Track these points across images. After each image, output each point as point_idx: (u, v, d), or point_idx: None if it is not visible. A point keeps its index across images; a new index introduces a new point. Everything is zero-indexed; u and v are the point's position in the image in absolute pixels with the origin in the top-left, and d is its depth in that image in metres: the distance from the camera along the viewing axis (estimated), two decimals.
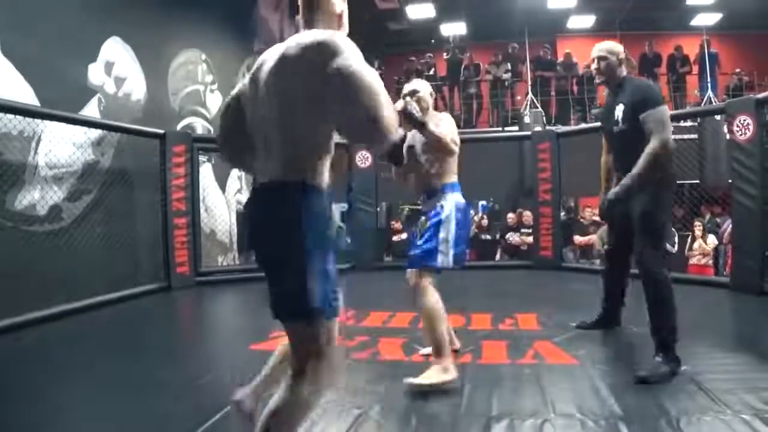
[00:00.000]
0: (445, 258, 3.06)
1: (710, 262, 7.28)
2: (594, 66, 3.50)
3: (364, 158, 7.48)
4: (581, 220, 8.72)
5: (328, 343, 1.77)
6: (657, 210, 3.24)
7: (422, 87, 3.34)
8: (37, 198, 5.32)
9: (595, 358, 3.32)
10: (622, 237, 3.62)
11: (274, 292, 1.83)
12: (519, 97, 12.21)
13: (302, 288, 1.70)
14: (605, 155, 3.88)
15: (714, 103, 9.97)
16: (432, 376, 2.88)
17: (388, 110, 1.67)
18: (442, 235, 3.05)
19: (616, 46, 3.51)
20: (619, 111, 3.33)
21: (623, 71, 3.45)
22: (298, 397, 1.74)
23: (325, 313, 1.74)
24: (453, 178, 3.19)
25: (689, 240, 7.31)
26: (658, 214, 3.25)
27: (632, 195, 3.18)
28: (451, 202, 3.10)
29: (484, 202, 10.48)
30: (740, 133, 5.26)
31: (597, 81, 3.61)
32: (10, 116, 4.75)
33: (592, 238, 8.08)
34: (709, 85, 10.98)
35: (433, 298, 3.05)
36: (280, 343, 2.21)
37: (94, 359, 3.60)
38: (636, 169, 3.10)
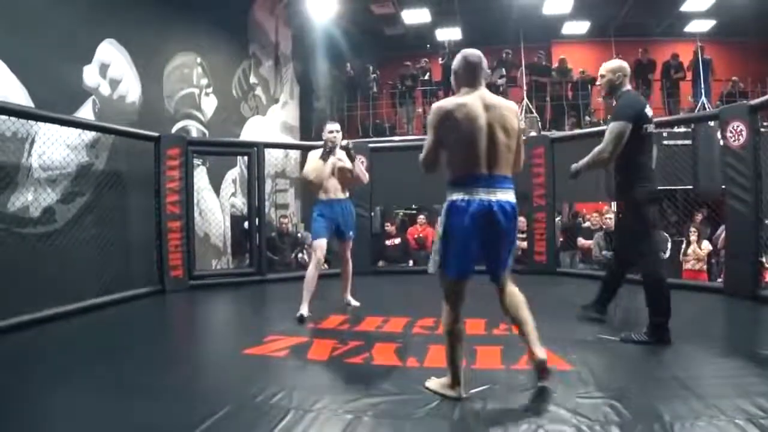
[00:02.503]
0: (432, 263, 2.95)
1: (704, 267, 7.29)
2: (598, 82, 4.06)
3: (361, 162, 7.47)
4: (589, 223, 8.65)
5: None
6: (640, 224, 3.82)
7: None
8: (30, 200, 5.30)
9: (589, 363, 3.32)
10: (622, 243, 4.27)
11: None
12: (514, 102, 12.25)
13: None
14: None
15: (708, 109, 10.01)
16: (438, 384, 2.94)
17: None
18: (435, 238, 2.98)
19: (616, 65, 3.96)
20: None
21: (624, 87, 3.92)
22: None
23: None
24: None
25: (684, 245, 7.32)
26: (642, 227, 3.82)
27: (623, 210, 3.97)
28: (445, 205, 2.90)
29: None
30: (734, 139, 5.28)
31: (602, 95, 4.18)
32: (3, 117, 4.71)
33: (589, 242, 8.07)
34: (702, 91, 11.04)
35: (444, 310, 2.98)
36: None
37: (85, 363, 3.57)
38: (582, 162, 3.98)
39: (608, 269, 4.53)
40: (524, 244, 7.94)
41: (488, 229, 2.80)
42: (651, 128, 3.84)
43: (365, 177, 5.14)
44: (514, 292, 3.03)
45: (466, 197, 2.78)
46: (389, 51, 14.27)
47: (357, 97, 12.82)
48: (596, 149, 3.82)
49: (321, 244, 4.96)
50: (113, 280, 5.78)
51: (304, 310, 4.73)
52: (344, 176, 5.04)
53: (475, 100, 2.83)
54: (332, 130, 4.98)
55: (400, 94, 12.68)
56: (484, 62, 2.96)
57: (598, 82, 4.07)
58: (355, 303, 5.22)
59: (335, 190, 5.04)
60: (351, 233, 5.15)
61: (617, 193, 4.02)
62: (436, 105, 2.90)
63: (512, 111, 2.89)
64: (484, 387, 2.96)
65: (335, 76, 13.15)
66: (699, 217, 8.44)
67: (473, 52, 2.97)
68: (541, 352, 2.88)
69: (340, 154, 5.00)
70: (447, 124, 2.81)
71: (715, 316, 4.95)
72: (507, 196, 2.85)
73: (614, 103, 4.01)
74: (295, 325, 4.52)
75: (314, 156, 4.98)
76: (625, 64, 3.98)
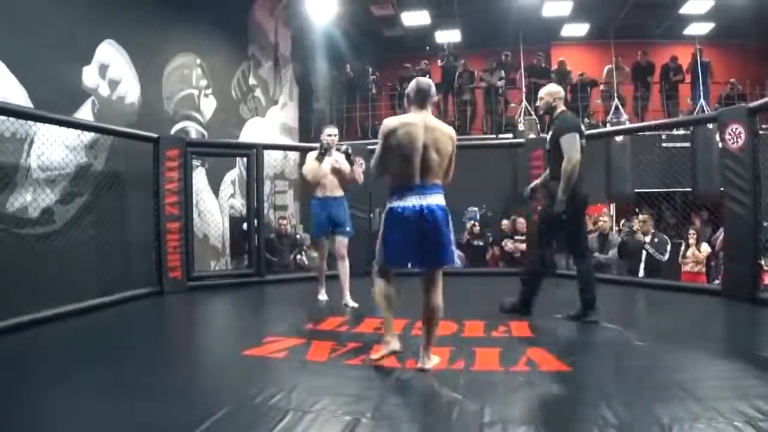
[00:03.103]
0: (378, 253, 3.49)
1: (703, 269, 7.29)
2: (538, 103, 4.85)
3: (359, 165, 7.48)
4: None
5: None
6: (576, 223, 4.60)
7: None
8: (29, 200, 5.30)
9: (589, 365, 3.33)
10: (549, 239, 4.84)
11: None
12: (513, 104, 12.24)
13: None
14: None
15: (706, 112, 10.02)
16: (379, 350, 3.50)
17: None
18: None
19: (554, 89, 4.75)
20: (549, 136, 4.63)
21: (560, 108, 4.65)
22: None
23: None
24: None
25: (683, 248, 7.32)
26: (578, 225, 4.65)
27: (559, 207, 4.40)
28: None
29: (474, 209, 10.42)
30: (732, 141, 5.29)
31: (540, 113, 5.19)
32: (2, 118, 4.70)
33: None
34: (701, 93, 11.04)
35: (377, 287, 3.58)
36: None
37: (84, 363, 3.57)
38: (561, 187, 4.37)
39: (536, 268, 4.86)
40: (523, 246, 7.96)
41: (419, 227, 3.24)
42: (584, 142, 4.53)
43: (360, 178, 5.42)
44: (437, 293, 3.37)
45: (401, 204, 3.28)
46: (389, 53, 14.26)
47: (356, 99, 12.81)
48: (565, 166, 4.35)
49: (323, 243, 5.51)
50: (112, 280, 5.78)
51: (323, 296, 5.25)
52: (340, 176, 5.36)
53: (418, 122, 3.29)
54: (330, 133, 5.35)
55: (400, 95, 12.67)
56: (433, 89, 3.43)
57: (538, 102, 4.84)
58: (353, 304, 5.23)
59: (331, 189, 5.37)
60: (348, 228, 5.41)
61: (548, 196, 4.64)
62: (384, 121, 3.41)
63: (447, 135, 3.35)
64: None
65: (334, 78, 13.15)
66: (698, 220, 8.45)
67: (425, 81, 3.45)
68: (427, 362, 3.32)
69: (338, 156, 5.30)
70: (390, 139, 3.30)
71: (713, 319, 4.97)
72: (436, 200, 3.30)
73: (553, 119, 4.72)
74: (294, 327, 4.53)
75: (312, 156, 5.38)
76: (560, 89, 4.80)
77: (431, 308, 3.36)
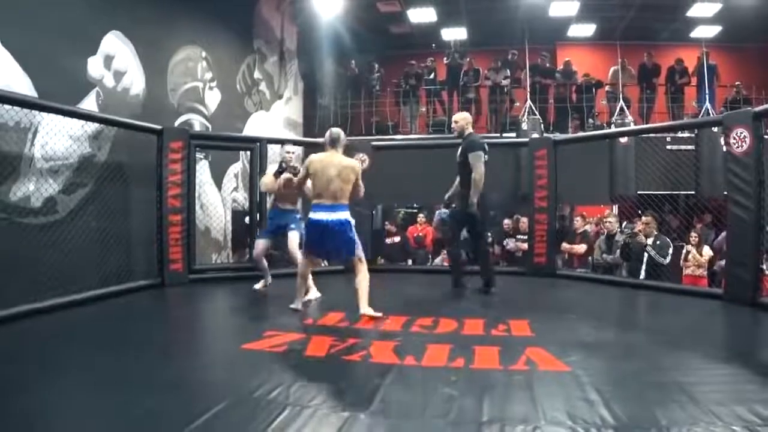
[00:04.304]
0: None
1: (705, 273, 7.25)
2: (453, 125, 6.10)
3: (361, 160, 7.48)
4: (586, 226, 8.62)
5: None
6: (477, 221, 5.82)
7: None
8: (32, 190, 5.31)
9: (588, 365, 3.32)
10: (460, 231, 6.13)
11: None
12: (518, 104, 12.22)
13: None
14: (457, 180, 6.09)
15: (712, 115, 9.99)
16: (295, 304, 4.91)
17: None
18: None
19: (466, 116, 6.15)
20: (460, 152, 5.83)
21: (467, 130, 5.96)
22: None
23: None
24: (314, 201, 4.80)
25: (684, 251, 7.30)
26: (478, 222, 5.85)
27: (473, 210, 5.71)
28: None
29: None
30: (737, 145, 5.27)
31: (455, 134, 6.13)
32: (7, 107, 4.71)
33: (582, 247, 8.04)
34: (707, 96, 11.00)
35: (300, 264, 5.09)
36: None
37: (83, 354, 3.58)
38: (472, 194, 5.67)
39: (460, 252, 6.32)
40: (525, 245, 7.93)
41: (326, 234, 4.66)
42: (486, 157, 5.77)
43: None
44: (360, 270, 4.73)
45: (316, 217, 4.67)
46: (394, 49, 14.23)
47: (361, 95, 12.79)
48: (474, 176, 5.65)
49: (260, 242, 6.03)
50: (113, 272, 5.79)
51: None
52: (296, 191, 5.72)
53: (331, 159, 4.72)
54: (289, 151, 5.99)
55: (404, 92, 12.66)
56: (342, 136, 4.85)
57: (453, 127, 6.13)
58: (315, 296, 5.48)
59: (283, 201, 5.94)
60: (293, 225, 5.86)
61: (462, 199, 5.84)
62: (310, 156, 4.82)
63: (351, 168, 4.75)
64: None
65: (339, 73, 13.14)
66: (700, 223, 8.41)
67: (336, 131, 4.88)
68: (363, 308, 4.59)
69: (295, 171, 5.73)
70: (311, 169, 4.72)
71: (714, 323, 4.96)
72: (340, 215, 4.66)
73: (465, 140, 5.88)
74: (294, 321, 4.54)
75: (271, 170, 5.90)
76: (468, 115, 6.24)
77: (358, 281, 4.69)
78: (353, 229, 4.74)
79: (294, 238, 5.81)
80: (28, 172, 5.29)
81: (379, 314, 4.55)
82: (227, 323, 5.23)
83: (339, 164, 4.68)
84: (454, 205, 6.25)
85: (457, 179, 6.01)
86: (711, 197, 7.23)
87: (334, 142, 4.80)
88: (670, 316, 5.06)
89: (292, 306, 4.87)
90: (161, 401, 2.78)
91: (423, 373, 3.24)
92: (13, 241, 4.93)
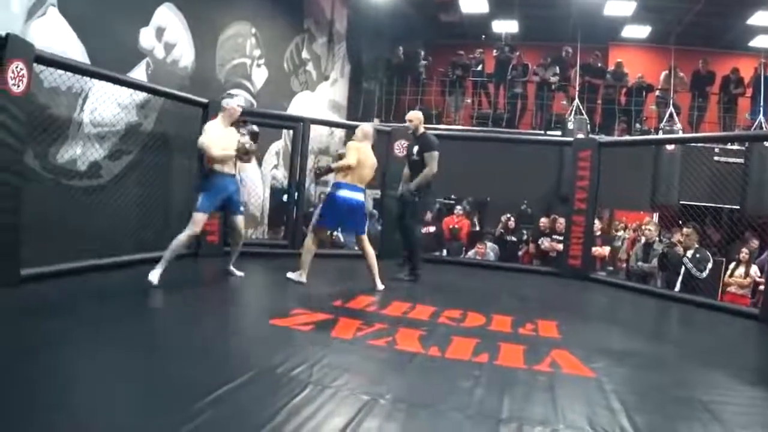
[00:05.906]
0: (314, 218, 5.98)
1: (748, 293, 6.97)
2: (407, 124, 6.25)
3: (401, 147, 7.47)
4: (622, 231, 8.48)
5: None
6: (414, 212, 6.11)
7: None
8: (78, 153, 5.44)
9: (613, 373, 3.28)
10: (400, 215, 6.27)
11: None
12: (564, 102, 12.02)
13: None
14: (406, 170, 6.42)
15: (765, 129, 9.67)
16: (294, 275, 5.25)
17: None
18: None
19: (420, 115, 6.32)
20: (415, 149, 6.11)
21: (420, 129, 6.17)
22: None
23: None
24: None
25: (730, 267, 7.03)
26: (415, 213, 6.14)
27: (410, 194, 5.99)
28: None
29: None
30: None
31: (409, 132, 6.31)
32: (60, 72, 4.82)
33: (605, 249, 7.88)
34: (761, 109, 10.64)
35: (309, 240, 5.36)
36: None
37: (114, 317, 3.66)
38: (416, 181, 5.92)
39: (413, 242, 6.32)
40: (560, 246, 7.83)
41: (351, 212, 5.29)
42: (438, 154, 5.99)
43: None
44: (366, 246, 5.34)
45: (349, 195, 5.26)
46: (443, 38, 14.11)
47: (407, 82, 12.72)
48: (426, 172, 5.88)
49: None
50: (150, 238, 5.90)
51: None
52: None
53: (369, 151, 5.44)
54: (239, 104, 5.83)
55: (450, 82, 12.56)
56: (372, 132, 5.56)
57: (407, 123, 6.28)
58: (238, 273, 5.57)
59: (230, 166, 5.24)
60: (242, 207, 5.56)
61: (406, 190, 6.07)
62: (356, 144, 5.39)
63: (373, 160, 5.50)
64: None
65: (386, 59, 13.10)
66: (755, 239, 7.97)
67: (368, 126, 5.71)
68: (380, 284, 5.28)
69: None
70: (360, 156, 5.28)
71: (747, 343, 4.84)
72: (359, 196, 5.34)
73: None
74: (323, 302, 4.56)
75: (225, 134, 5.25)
76: (421, 114, 6.38)
77: (369, 260, 5.33)
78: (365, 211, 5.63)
79: (242, 221, 5.53)
80: (77, 136, 5.42)
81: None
82: (258, 298, 5.32)
83: (373, 157, 5.50)
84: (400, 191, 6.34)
85: (406, 171, 6.39)
86: (756, 214, 7.01)
87: (371, 138, 5.52)
88: (702, 332, 4.97)
89: (293, 276, 5.24)
90: (188, 367, 2.85)
91: (446, 364, 3.25)
92: (57, 202, 5.07)
